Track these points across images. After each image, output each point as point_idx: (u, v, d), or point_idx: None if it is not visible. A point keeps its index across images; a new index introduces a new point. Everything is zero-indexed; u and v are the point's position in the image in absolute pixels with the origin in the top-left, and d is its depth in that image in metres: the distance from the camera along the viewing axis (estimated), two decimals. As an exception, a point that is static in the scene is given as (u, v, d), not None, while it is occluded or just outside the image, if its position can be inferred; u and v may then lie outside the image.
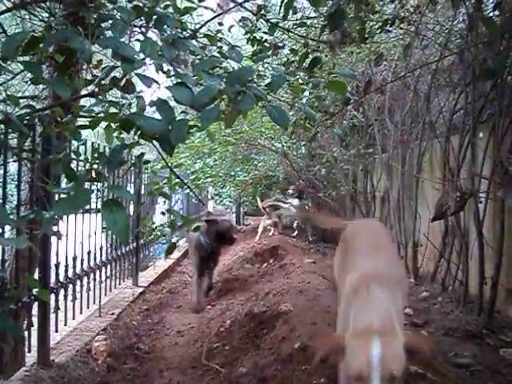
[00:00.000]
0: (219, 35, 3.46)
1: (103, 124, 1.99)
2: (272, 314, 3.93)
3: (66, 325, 4.05)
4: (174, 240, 8.06)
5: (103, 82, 1.95)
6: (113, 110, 1.89)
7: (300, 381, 2.79)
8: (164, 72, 2.34)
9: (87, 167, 2.05)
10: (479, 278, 4.34)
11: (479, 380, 3.20)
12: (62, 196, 1.43)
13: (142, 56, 1.65)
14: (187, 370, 3.69)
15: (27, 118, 2.01)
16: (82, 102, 2.96)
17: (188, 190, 6.61)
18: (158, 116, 1.66)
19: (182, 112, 3.09)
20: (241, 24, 3.84)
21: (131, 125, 1.59)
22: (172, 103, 1.70)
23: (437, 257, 5.38)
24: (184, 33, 2.63)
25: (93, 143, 3.95)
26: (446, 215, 4.04)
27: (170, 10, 2.46)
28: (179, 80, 1.66)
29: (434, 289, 5.24)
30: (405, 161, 6.33)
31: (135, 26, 2.19)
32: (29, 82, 2.84)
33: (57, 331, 3.83)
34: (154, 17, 2.10)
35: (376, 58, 4.16)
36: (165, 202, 7.43)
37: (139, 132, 1.59)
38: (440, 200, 3.99)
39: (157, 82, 1.78)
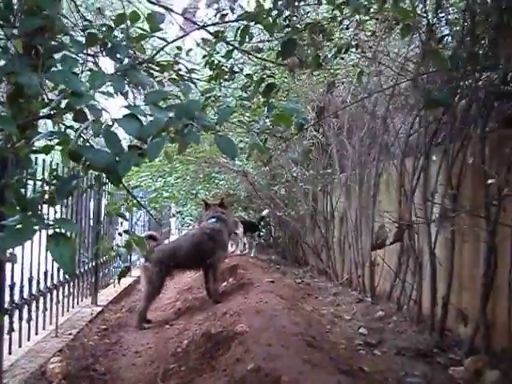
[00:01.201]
0: (178, 58, 3.52)
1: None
2: (228, 334, 3.95)
3: (20, 346, 4.01)
4: (134, 258, 8.07)
5: (60, 105, 1.98)
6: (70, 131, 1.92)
7: (252, 403, 2.82)
8: (123, 94, 2.39)
9: (43, 189, 2.07)
10: (431, 298, 4.46)
11: (428, 399, 3.30)
12: (9, 226, 1.45)
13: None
14: (142, 391, 3.69)
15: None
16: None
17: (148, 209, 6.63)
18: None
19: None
20: (201, 45, 3.90)
21: (80, 156, 1.62)
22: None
23: (393, 276, 5.48)
24: (141, 57, 2.69)
25: (51, 162, 3.94)
26: (384, 245, 4.16)
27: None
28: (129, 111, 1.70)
29: (389, 308, 5.33)
30: (363, 181, 6.46)
31: (89, 55, 2.23)
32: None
33: (10, 353, 3.78)
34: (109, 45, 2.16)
35: (328, 86, 4.27)
36: (121, 222, 7.40)
37: (88, 163, 1.62)
38: (378, 231, 4.11)
39: (107, 112, 1.82)
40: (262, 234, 10.79)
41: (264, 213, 9.61)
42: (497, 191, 3.59)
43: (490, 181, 3.60)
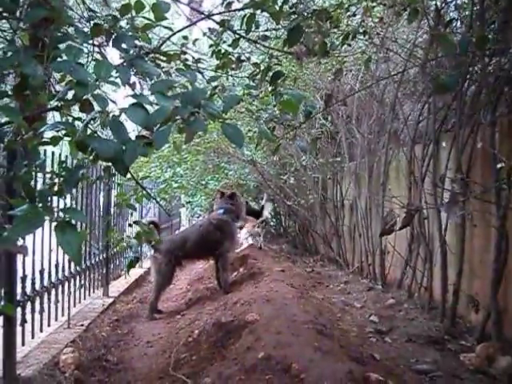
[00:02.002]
0: (184, 48, 3.50)
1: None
2: (239, 323, 3.95)
3: (33, 338, 4.04)
4: (144, 249, 8.09)
5: (67, 97, 1.97)
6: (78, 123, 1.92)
7: (262, 391, 2.83)
8: (130, 85, 2.38)
9: (52, 181, 2.08)
10: (442, 285, 4.45)
11: (439, 386, 3.29)
12: (18, 215, 1.45)
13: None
14: (154, 381, 3.69)
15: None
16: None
17: (157, 200, 6.64)
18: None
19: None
20: (208, 34, 3.88)
21: (87, 146, 1.62)
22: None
23: (403, 264, 5.47)
24: (147, 47, 2.68)
25: (60, 155, 3.96)
26: (393, 231, 4.15)
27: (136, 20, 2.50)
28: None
29: (400, 295, 5.33)
30: (372, 169, 6.44)
31: (95, 46, 2.22)
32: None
33: (23, 344, 3.81)
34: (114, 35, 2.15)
35: (335, 73, 4.24)
36: (131, 213, 7.41)
37: (95, 153, 1.63)
38: (386, 217, 4.09)
39: (114, 102, 1.82)
40: (271, 222, 10.78)
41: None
42: (507, 176, 3.57)
43: (499, 165, 3.58)
